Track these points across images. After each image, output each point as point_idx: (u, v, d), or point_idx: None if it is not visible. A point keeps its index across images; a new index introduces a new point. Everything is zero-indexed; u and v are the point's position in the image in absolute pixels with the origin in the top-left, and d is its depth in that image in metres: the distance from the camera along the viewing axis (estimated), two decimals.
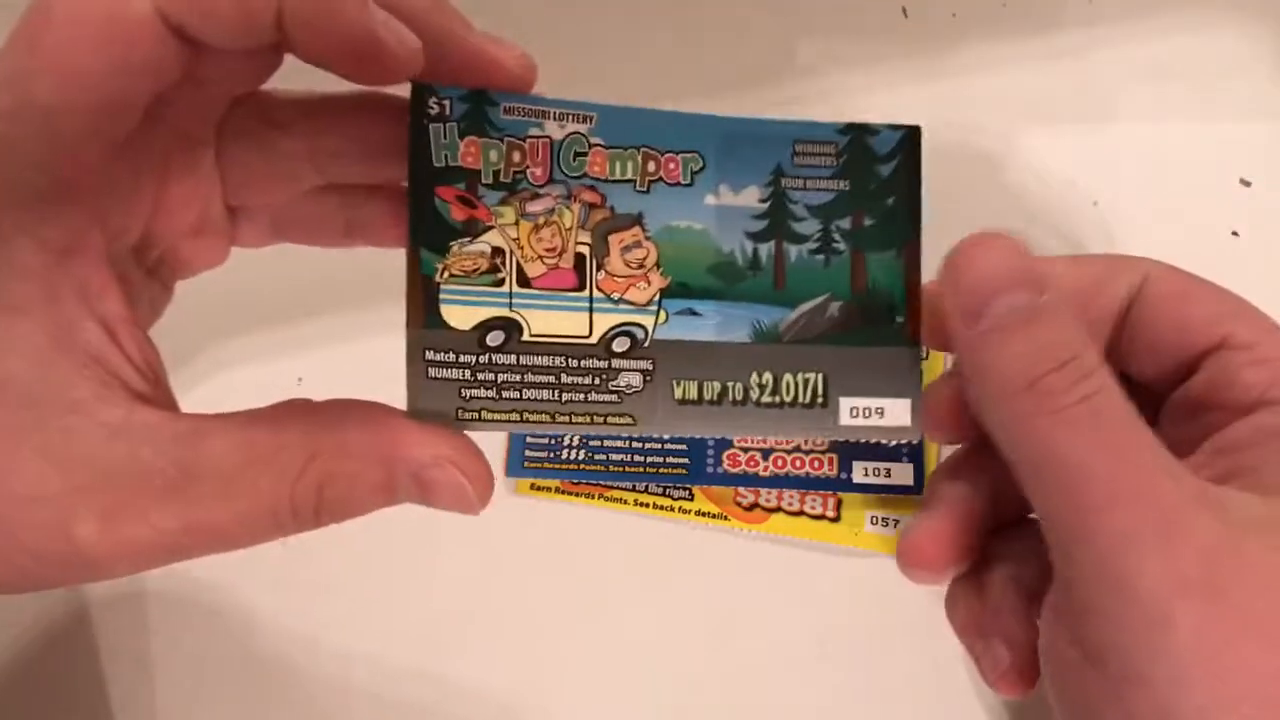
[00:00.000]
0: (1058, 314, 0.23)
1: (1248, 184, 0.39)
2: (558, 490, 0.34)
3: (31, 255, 0.21)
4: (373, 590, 0.31)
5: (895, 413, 0.26)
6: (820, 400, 0.26)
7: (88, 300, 0.22)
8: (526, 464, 0.34)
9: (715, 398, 0.26)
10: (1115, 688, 0.22)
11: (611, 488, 0.34)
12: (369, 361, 0.36)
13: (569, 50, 0.41)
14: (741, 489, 0.34)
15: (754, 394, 0.26)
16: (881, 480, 0.34)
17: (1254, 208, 0.38)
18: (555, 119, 0.27)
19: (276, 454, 0.23)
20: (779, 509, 0.34)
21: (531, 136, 0.26)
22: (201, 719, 0.31)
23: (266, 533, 0.23)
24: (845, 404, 0.26)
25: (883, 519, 0.33)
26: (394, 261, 0.38)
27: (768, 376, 0.26)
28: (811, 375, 0.26)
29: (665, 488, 0.34)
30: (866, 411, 0.26)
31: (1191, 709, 0.21)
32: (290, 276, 0.37)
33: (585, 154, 0.27)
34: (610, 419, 0.26)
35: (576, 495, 0.34)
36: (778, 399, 0.26)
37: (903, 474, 0.34)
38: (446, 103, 0.26)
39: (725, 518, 0.34)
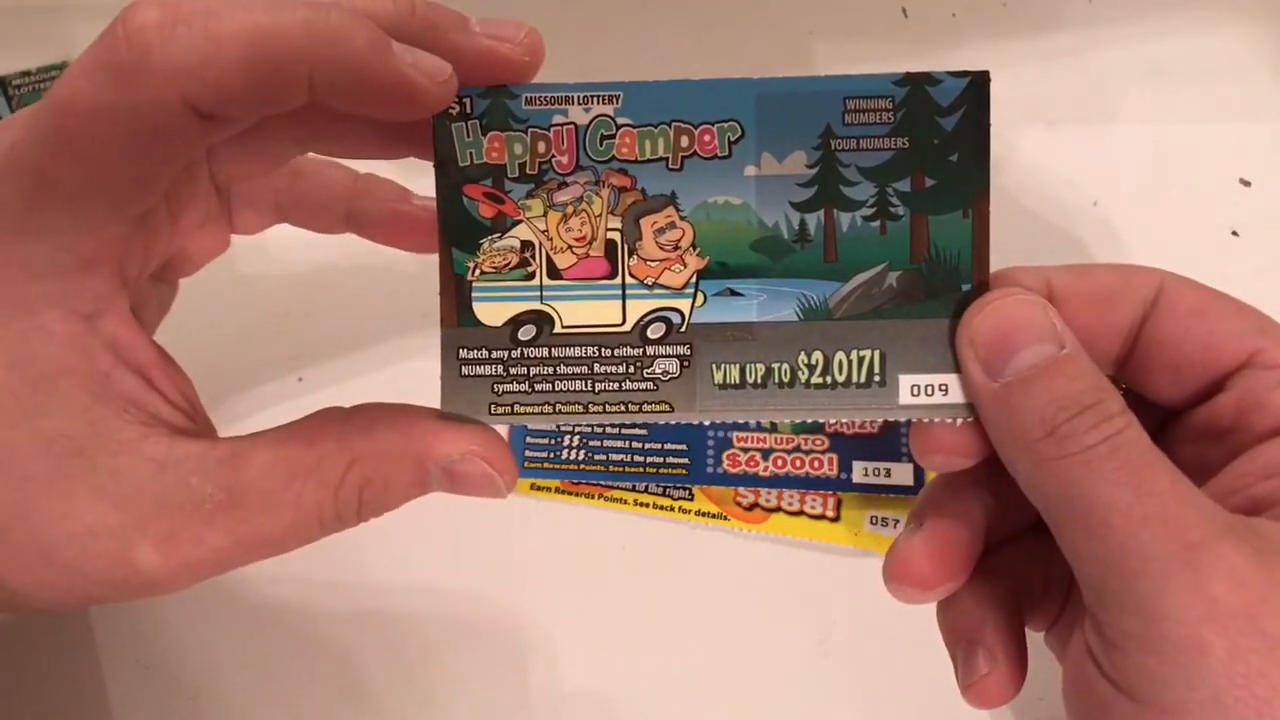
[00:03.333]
0: (1078, 363, 0.23)
1: (1247, 184, 0.39)
2: (558, 490, 0.34)
3: (63, 324, 0.23)
4: (373, 590, 0.31)
5: (959, 389, 0.25)
6: (877, 379, 0.25)
7: (119, 353, 0.24)
8: (526, 464, 0.34)
9: (759, 380, 0.25)
10: (1152, 718, 0.22)
11: (611, 488, 0.34)
12: (369, 362, 0.36)
13: (569, 51, 0.41)
14: (741, 489, 0.34)
15: (802, 375, 0.25)
16: (881, 480, 0.34)
17: (1254, 207, 0.38)
18: (579, 103, 0.25)
19: (317, 465, 0.24)
20: (779, 509, 0.34)
21: (555, 125, 0.25)
22: (204, 719, 0.31)
23: (312, 536, 0.25)
24: (906, 382, 0.25)
25: (882, 519, 0.33)
26: (393, 263, 0.38)
27: (817, 356, 0.25)
28: (867, 353, 0.25)
29: (665, 488, 0.34)
30: (930, 389, 0.25)
31: None
32: (290, 277, 0.37)
33: (613, 136, 0.25)
34: (646, 406, 0.25)
35: (576, 495, 0.34)
36: (829, 379, 0.25)
37: (902, 474, 0.34)
38: (467, 101, 0.25)
39: (725, 518, 0.34)
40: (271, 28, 0.21)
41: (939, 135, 0.25)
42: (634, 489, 0.34)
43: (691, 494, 0.34)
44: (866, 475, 0.34)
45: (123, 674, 0.31)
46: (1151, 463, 0.22)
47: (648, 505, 0.34)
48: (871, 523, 0.33)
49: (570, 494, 0.34)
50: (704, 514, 0.34)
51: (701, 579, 0.33)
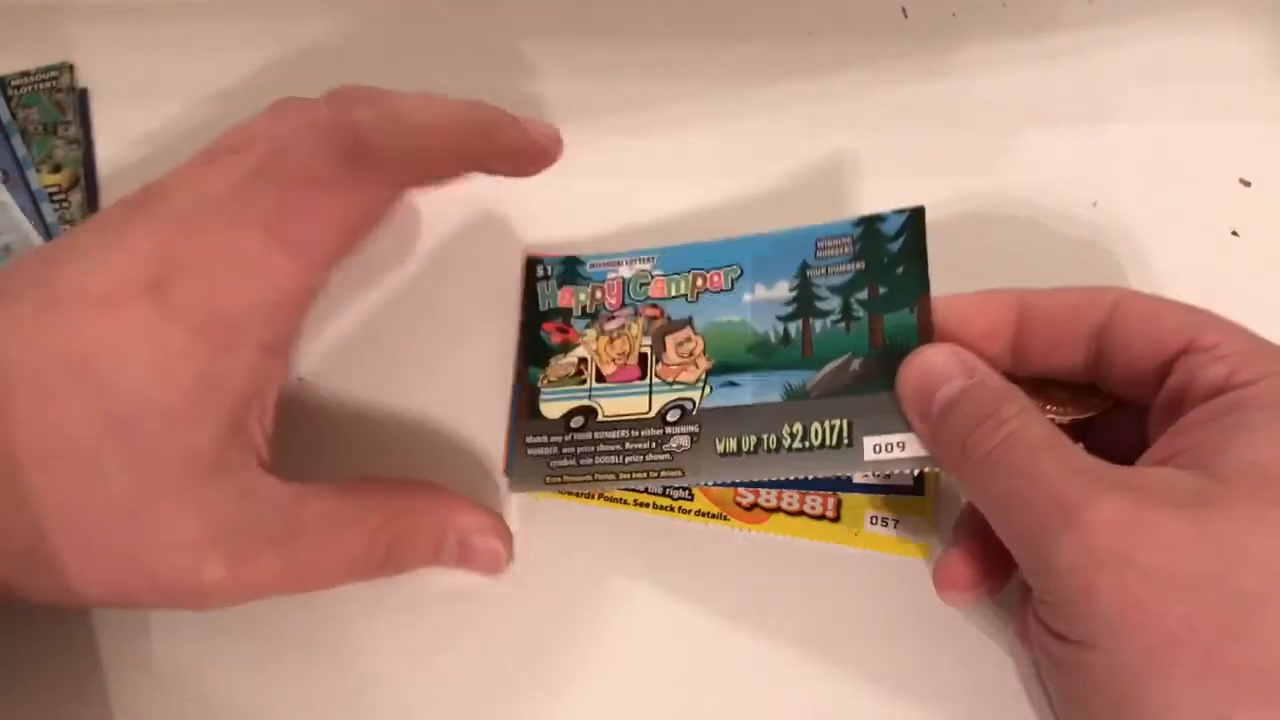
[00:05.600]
0: (981, 386, 0.28)
1: (1247, 184, 0.39)
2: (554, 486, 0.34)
3: (254, 353, 0.27)
4: (372, 591, 0.31)
5: (914, 445, 0.29)
6: (846, 441, 0.30)
7: (263, 387, 0.28)
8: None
9: (752, 448, 0.31)
10: (1083, 657, 0.25)
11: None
12: (369, 362, 0.36)
13: (570, 51, 0.42)
14: (741, 489, 0.34)
15: (786, 442, 0.31)
16: (881, 480, 0.34)
17: (1254, 207, 0.38)
18: (627, 264, 0.35)
19: (362, 516, 0.28)
20: (779, 509, 0.34)
21: (609, 278, 0.35)
22: (204, 719, 0.31)
23: (344, 578, 0.29)
24: (869, 442, 0.30)
25: (882, 519, 0.33)
26: (394, 262, 0.38)
27: (798, 426, 0.31)
28: (838, 421, 0.30)
29: (666, 488, 0.34)
30: (888, 447, 0.30)
31: (1131, 661, 0.24)
32: None
33: (648, 283, 0.35)
34: (663, 473, 0.32)
35: (576, 495, 0.34)
36: (807, 444, 0.30)
37: (902, 474, 0.34)
38: (549, 267, 0.36)
39: (725, 518, 0.34)
40: (459, 120, 0.30)
41: (887, 256, 0.32)
42: (634, 489, 0.34)
43: (691, 494, 0.34)
44: (866, 475, 0.34)
45: (124, 674, 0.32)
46: (1039, 451, 0.26)
47: (648, 505, 0.34)
48: (871, 523, 0.33)
49: (570, 494, 0.34)
50: (704, 514, 0.34)
51: (702, 579, 0.33)
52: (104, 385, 0.25)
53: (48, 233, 0.37)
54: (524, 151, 0.32)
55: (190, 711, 0.31)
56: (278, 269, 0.26)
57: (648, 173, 0.38)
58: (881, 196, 0.38)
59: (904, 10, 0.42)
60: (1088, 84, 0.41)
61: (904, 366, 0.29)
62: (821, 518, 0.33)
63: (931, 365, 0.29)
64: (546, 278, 0.35)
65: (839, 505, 0.34)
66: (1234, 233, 0.38)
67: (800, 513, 0.34)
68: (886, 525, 0.33)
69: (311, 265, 0.27)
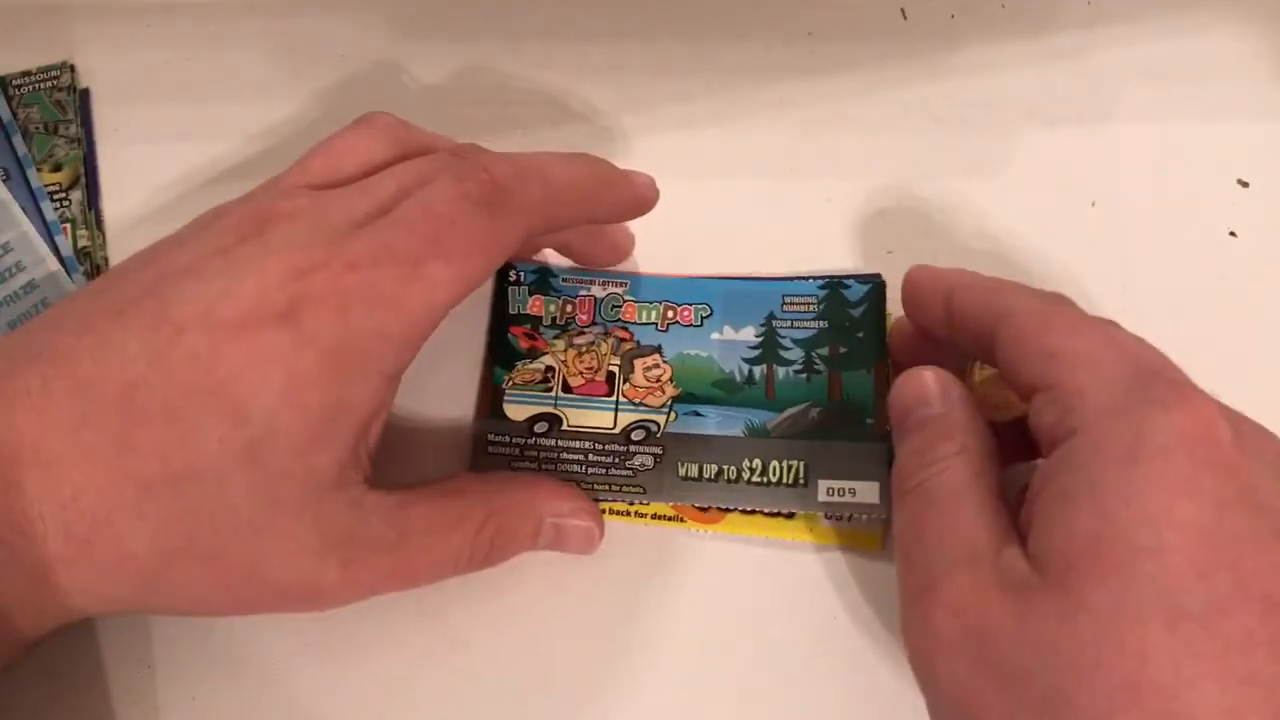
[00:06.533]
0: (942, 420, 0.28)
1: (1245, 184, 0.39)
2: None
3: (380, 380, 0.28)
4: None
5: (865, 492, 0.32)
6: (802, 481, 0.33)
7: (380, 410, 0.29)
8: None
9: (713, 476, 0.33)
10: None
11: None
12: None
13: (568, 51, 0.42)
14: None
15: (745, 474, 0.33)
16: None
17: (1252, 208, 0.39)
18: (599, 284, 0.36)
19: (464, 515, 0.30)
20: (733, 508, 0.33)
21: (580, 295, 0.36)
22: (204, 719, 0.31)
23: (451, 573, 0.30)
24: (823, 485, 0.32)
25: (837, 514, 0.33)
26: None
27: (757, 462, 0.33)
28: (795, 462, 0.33)
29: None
30: (841, 491, 0.32)
31: None
32: None
33: (620, 306, 0.36)
34: (625, 488, 0.33)
35: None
36: (765, 479, 0.33)
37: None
38: (521, 274, 0.36)
39: (681, 519, 0.33)
40: (582, 176, 0.31)
41: (849, 320, 0.35)
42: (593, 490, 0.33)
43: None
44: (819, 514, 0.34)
45: (125, 673, 0.32)
46: (943, 501, 0.27)
47: (604, 511, 0.33)
48: (826, 517, 0.33)
49: None
50: (659, 517, 0.33)
51: (695, 580, 0.33)
52: (237, 411, 0.26)
53: (48, 231, 0.37)
54: (631, 203, 0.33)
55: (190, 710, 0.31)
56: (408, 301, 0.27)
57: (647, 173, 0.37)
58: (882, 196, 0.38)
59: (903, 11, 0.42)
60: (1087, 84, 0.41)
61: (901, 380, 0.30)
62: (777, 515, 0.33)
63: (925, 383, 0.29)
64: (519, 283, 0.36)
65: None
66: (1232, 233, 0.38)
67: (754, 511, 0.33)
68: (842, 520, 0.33)
69: (438, 301, 0.28)
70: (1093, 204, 0.39)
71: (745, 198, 0.39)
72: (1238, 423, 0.25)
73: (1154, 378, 0.25)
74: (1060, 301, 0.29)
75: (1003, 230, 0.38)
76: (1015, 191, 0.39)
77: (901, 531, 0.28)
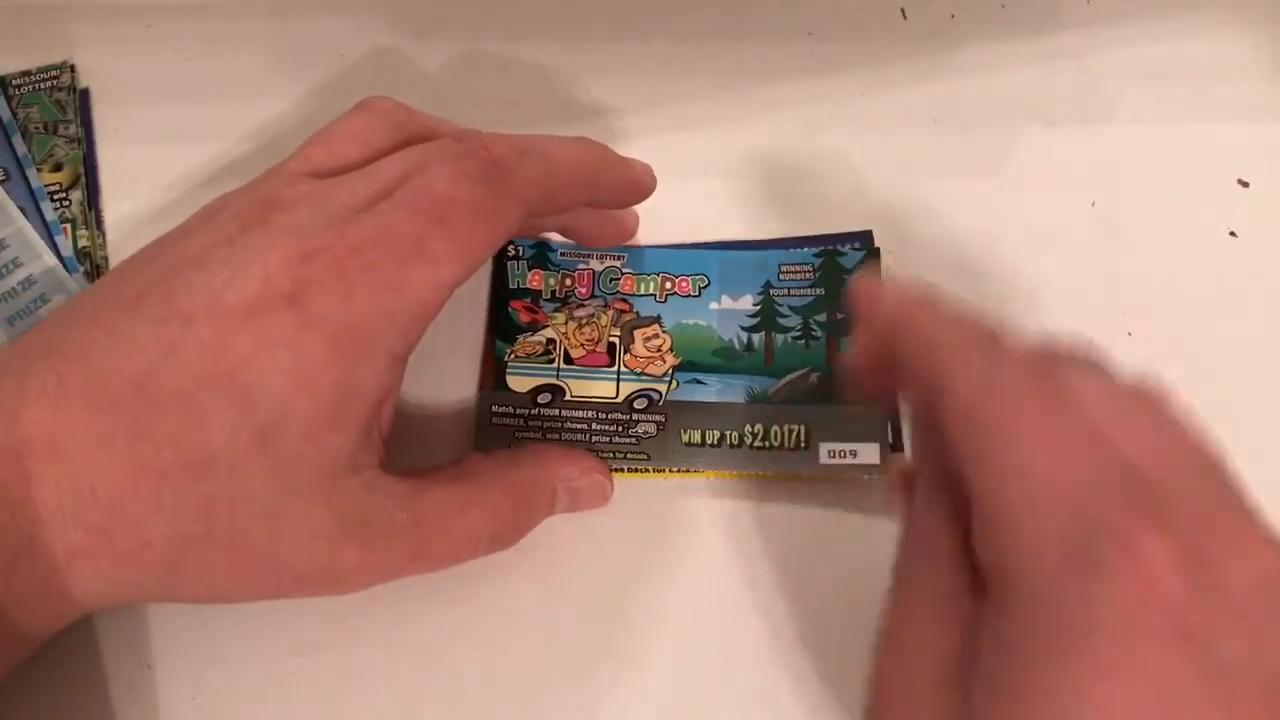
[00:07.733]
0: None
1: (1245, 184, 0.39)
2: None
3: (386, 361, 0.28)
4: (370, 590, 0.31)
5: (866, 454, 0.33)
6: (803, 444, 0.33)
7: (390, 392, 0.29)
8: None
9: (715, 442, 0.33)
10: None
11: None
12: None
13: (568, 51, 0.42)
14: None
15: (748, 439, 0.33)
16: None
17: (1252, 208, 0.39)
18: (597, 258, 0.36)
19: (482, 496, 0.30)
20: (736, 473, 0.34)
21: (579, 269, 0.36)
22: (204, 719, 0.31)
23: (473, 554, 0.30)
24: (824, 448, 0.33)
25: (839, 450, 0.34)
26: None
27: (759, 427, 0.33)
28: (796, 426, 0.33)
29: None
30: (842, 453, 0.33)
31: None
32: None
33: (618, 279, 0.36)
34: (629, 455, 0.34)
35: None
36: (767, 444, 0.33)
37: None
38: (520, 249, 0.37)
39: (662, 470, 0.34)
40: (581, 156, 0.31)
41: (845, 286, 0.35)
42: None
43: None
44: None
45: (125, 672, 0.32)
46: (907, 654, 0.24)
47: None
48: (830, 455, 0.33)
49: None
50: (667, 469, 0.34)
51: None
52: (248, 398, 0.26)
53: (47, 231, 0.37)
54: (629, 186, 0.34)
55: (190, 710, 0.31)
56: (411, 281, 0.27)
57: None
58: (881, 197, 0.38)
59: (903, 11, 0.42)
60: (1086, 84, 0.41)
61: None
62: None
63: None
64: (517, 258, 0.36)
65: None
66: (1232, 233, 0.38)
67: (758, 475, 0.33)
68: (843, 456, 0.33)
69: (442, 279, 0.28)
70: (1093, 204, 0.39)
71: (745, 198, 0.39)
72: (1202, 555, 0.21)
73: (1094, 530, 0.21)
74: (1003, 365, 0.24)
75: (1002, 230, 0.38)
76: (1015, 191, 0.39)
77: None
